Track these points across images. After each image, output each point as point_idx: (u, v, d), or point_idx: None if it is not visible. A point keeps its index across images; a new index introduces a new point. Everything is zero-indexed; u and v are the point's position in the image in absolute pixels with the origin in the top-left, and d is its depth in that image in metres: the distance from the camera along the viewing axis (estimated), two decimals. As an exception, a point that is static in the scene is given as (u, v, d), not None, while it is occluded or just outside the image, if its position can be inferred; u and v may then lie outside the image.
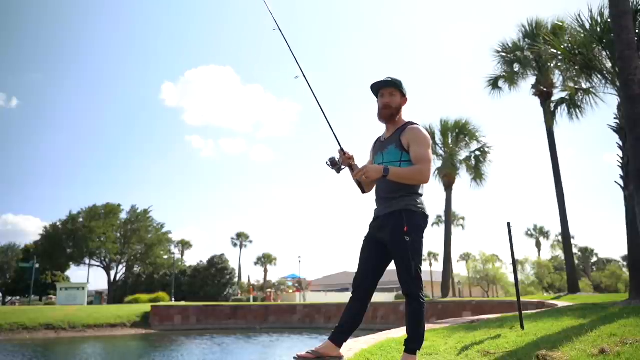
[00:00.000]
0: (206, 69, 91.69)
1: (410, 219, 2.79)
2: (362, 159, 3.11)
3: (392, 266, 2.92)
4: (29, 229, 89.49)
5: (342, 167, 2.97)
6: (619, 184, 9.89)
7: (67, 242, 47.86)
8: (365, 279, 2.93)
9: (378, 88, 3.04)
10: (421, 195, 2.90)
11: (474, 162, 25.91)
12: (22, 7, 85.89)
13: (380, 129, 3.15)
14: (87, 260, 49.40)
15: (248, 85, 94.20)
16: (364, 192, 3.09)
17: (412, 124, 2.96)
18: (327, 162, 2.96)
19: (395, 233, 2.78)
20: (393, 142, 2.93)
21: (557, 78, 18.80)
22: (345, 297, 3.12)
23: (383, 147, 3.01)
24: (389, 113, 2.99)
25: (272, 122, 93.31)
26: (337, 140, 3.03)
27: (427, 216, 2.88)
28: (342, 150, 3.00)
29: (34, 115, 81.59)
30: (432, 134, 25.75)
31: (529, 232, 59.86)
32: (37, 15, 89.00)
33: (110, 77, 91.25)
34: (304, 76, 3.17)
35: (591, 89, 11.53)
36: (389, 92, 3.00)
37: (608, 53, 9.85)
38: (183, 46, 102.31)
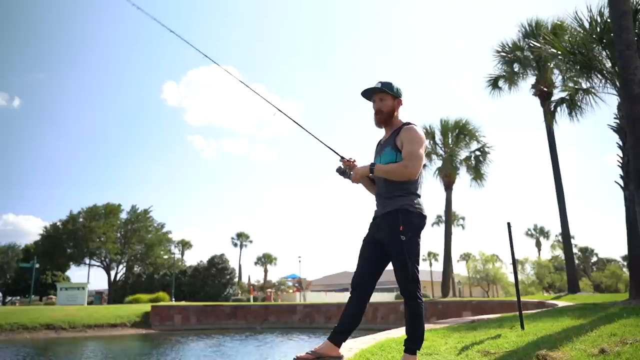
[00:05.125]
0: (208, 68, 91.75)
1: (406, 218, 2.79)
2: (369, 159, 3.14)
3: (391, 266, 2.92)
4: (29, 229, 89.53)
5: (350, 172, 3.02)
6: (619, 184, 9.90)
7: (67, 242, 47.80)
8: (364, 278, 2.94)
9: (368, 95, 3.06)
10: (419, 195, 2.90)
11: (474, 162, 25.88)
12: (24, 7, 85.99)
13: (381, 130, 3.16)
14: (87, 260, 49.37)
15: (251, 85, 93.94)
16: (373, 192, 3.10)
17: (408, 124, 2.96)
18: (337, 172, 3.05)
19: (391, 232, 2.79)
20: (389, 144, 2.95)
21: (557, 78, 18.84)
22: (345, 297, 3.11)
23: (380, 149, 3.04)
24: (382, 118, 3.02)
25: (274, 121, 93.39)
26: (334, 151, 3.10)
27: (424, 216, 2.88)
28: (342, 158, 3.06)
29: (35, 115, 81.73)
30: (432, 134, 25.72)
31: (529, 232, 59.99)
32: (39, 15, 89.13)
33: (112, 77, 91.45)
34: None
35: (591, 89, 11.52)
36: (378, 98, 3.02)
37: (608, 53, 9.84)
38: (185, 45, 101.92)
